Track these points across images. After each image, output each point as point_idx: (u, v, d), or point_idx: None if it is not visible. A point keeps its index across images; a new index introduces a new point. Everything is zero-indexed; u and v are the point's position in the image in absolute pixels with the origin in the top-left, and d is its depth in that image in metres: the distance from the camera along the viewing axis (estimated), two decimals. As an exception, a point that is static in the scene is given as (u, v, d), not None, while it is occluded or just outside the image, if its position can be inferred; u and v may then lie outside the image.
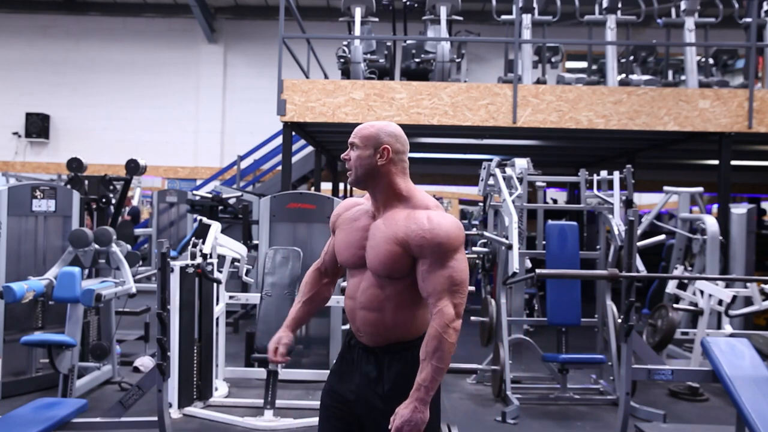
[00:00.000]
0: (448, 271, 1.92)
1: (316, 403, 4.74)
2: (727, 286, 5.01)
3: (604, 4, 7.53)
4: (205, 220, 5.34)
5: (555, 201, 13.70)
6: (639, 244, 4.67)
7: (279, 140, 8.68)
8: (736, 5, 7.86)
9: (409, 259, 1.95)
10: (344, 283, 4.66)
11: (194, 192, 8.23)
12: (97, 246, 4.71)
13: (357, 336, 2.10)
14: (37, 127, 13.18)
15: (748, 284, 5.18)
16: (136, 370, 5.29)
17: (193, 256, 4.59)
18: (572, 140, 7.97)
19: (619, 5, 7.49)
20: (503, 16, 7.71)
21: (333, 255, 2.22)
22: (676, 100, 6.49)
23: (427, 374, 1.89)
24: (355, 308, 2.06)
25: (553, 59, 8.21)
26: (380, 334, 2.03)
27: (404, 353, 2.02)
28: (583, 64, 9.68)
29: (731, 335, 4.89)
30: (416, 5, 8.80)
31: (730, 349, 3.53)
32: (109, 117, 13.25)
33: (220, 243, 5.14)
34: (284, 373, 4.68)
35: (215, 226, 5.06)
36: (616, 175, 5.38)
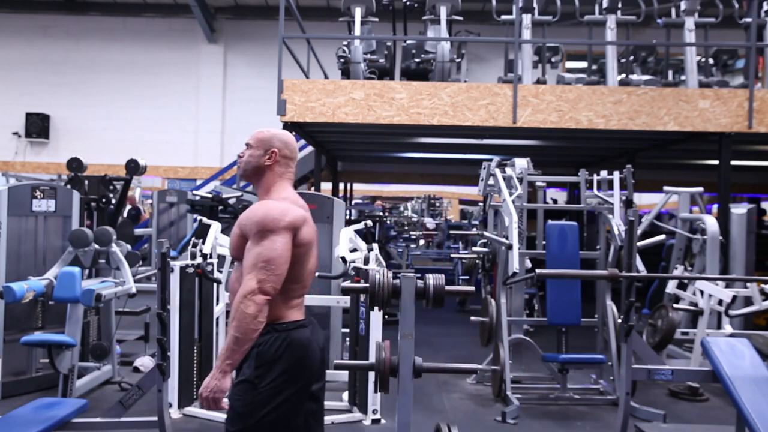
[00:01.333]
0: (259, 248, 2.08)
1: (316, 403, 4.74)
2: (727, 286, 5.01)
3: (604, 4, 7.52)
4: (205, 220, 5.34)
5: (555, 201, 13.70)
6: (639, 244, 4.67)
7: (279, 140, 8.65)
8: (736, 5, 7.86)
9: (246, 241, 2.14)
10: (344, 283, 4.66)
11: (194, 192, 8.22)
12: (97, 246, 4.71)
13: None
14: (37, 127, 13.18)
15: (748, 284, 5.18)
16: (136, 370, 5.29)
17: (193, 256, 4.58)
18: (572, 140, 7.97)
19: (619, 5, 7.49)
20: (503, 16, 7.71)
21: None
22: (676, 100, 6.49)
23: (226, 342, 2.04)
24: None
25: (553, 59, 8.20)
26: None
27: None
28: (583, 64, 9.68)
29: (731, 335, 4.89)
30: (416, 5, 8.79)
31: (730, 349, 3.53)
32: (109, 117, 13.25)
33: (220, 243, 5.13)
34: (284, 373, 4.67)
35: (215, 226, 5.06)
36: (616, 175, 5.38)
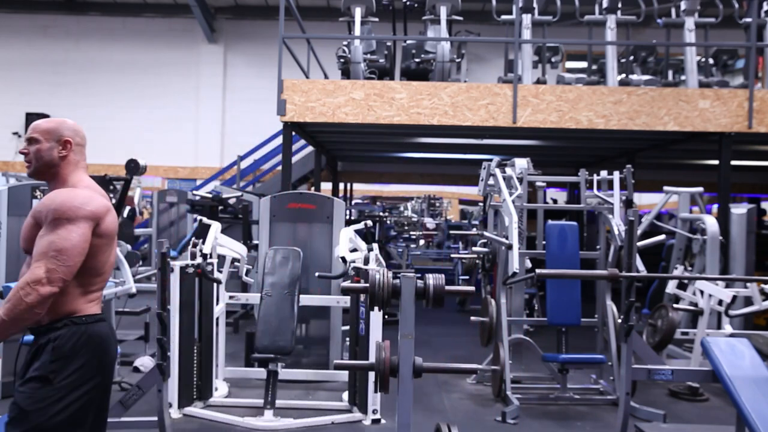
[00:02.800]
0: (52, 236, 1.98)
1: (316, 403, 4.76)
2: (727, 286, 5.01)
3: (604, 4, 7.53)
4: (205, 220, 5.34)
5: (555, 201, 13.70)
6: (639, 244, 4.67)
7: (279, 140, 8.68)
8: (736, 5, 7.86)
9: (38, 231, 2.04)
10: (344, 283, 4.66)
11: (194, 192, 8.23)
12: (97, 246, 4.70)
13: None
14: (37, 127, 13.18)
15: (748, 284, 5.18)
16: (136, 370, 5.29)
17: (193, 256, 4.58)
18: (572, 140, 7.97)
19: (619, 5, 7.49)
20: (503, 16, 7.71)
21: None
22: (676, 100, 6.49)
23: None
24: None
25: (553, 59, 8.20)
26: None
27: (39, 337, 2.08)
28: (583, 64, 9.68)
29: (731, 335, 4.89)
30: (416, 5, 8.79)
31: (730, 349, 3.53)
32: (109, 117, 13.25)
33: (220, 243, 5.13)
34: (284, 373, 4.68)
35: (215, 226, 5.06)
36: (616, 175, 5.38)
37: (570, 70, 9.60)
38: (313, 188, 9.92)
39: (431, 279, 2.17)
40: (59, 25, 13.49)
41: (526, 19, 7.46)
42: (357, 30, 7.20)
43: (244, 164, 11.60)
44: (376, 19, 7.61)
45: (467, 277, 9.87)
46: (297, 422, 4.20)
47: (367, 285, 2.19)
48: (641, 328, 5.38)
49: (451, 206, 18.21)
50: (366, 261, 4.59)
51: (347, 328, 4.94)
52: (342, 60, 7.56)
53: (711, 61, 8.26)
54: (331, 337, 5.38)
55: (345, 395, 4.65)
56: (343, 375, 4.78)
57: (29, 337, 3.49)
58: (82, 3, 13.52)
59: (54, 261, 1.95)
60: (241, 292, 6.26)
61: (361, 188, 15.89)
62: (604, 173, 5.54)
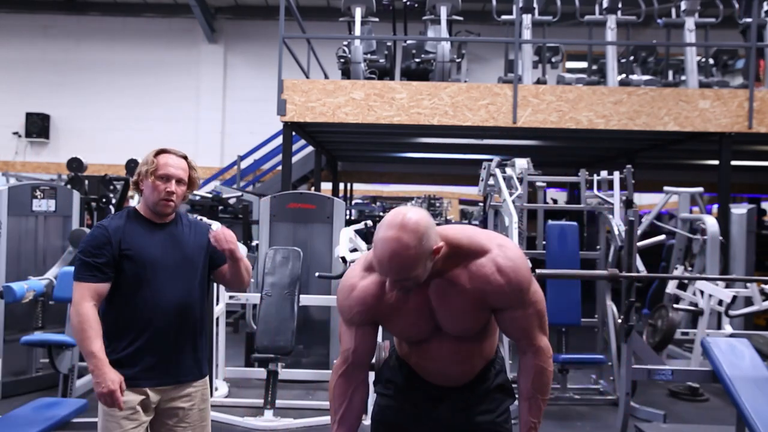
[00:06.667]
0: (532, 308, 1.82)
1: (316, 403, 4.76)
2: (727, 286, 5.01)
3: (604, 4, 7.52)
4: (205, 220, 5.34)
5: (555, 201, 13.69)
6: (639, 244, 4.67)
7: (279, 140, 8.67)
8: (736, 5, 7.86)
9: (489, 312, 1.85)
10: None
11: (194, 192, 8.22)
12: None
13: (434, 382, 1.98)
14: (37, 127, 13.17)
15: (748, 284, 5.18)
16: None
17: (193, 256, 4.57)
18: (572, 140, 7.96)
19: (619, 5, 7.49)
20: (503, 16, 7.71)
21: (368, 347, 1.94)
22: (676, 101, 6.49)
23: (536, 410, 1.89)
24: (436, 368, 1.95)
25: (553, 59, 8.20)
26: (468, 375, 1.97)
27: (483, 373, 2.00)
28: (583, 64, 9.67)
29: (731, 335, 4.88)
30: (416, 5, 8.79)
31: (730, 349, 3.53)
32: (109, 117, 13.24)
33: (220, 243, 5.12)
34: (284, 373, 4.69)
35: (215, 227, 5.05)
36: (616, 175, 5.38)
37: (570, 70, 9.60)
38: (313, 188, 9.92)
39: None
40: (59, 25, 13.48)
41: (526, 19, 7.45)
42: (357, 30, 7.20)
43: (244, 164, 11.59)
44: (377, 19, 7.60)
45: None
46: (297, 422, 4.20)
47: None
48: (641, 328, 5.37)
49: (451, 206, 18.19)
50: (366, 261, 4.59)
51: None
52: (342, 60, 7.56)
53: (711, 61, 8.26)
54: (331, 337, 5.38)
55: (345, 395, 4.64)
56: (343, 375, 4.77)
57: (28, 338, 3.49)
58: (83, 3, 13.51)
59: (545, 324, 1.90)
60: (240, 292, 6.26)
61: (361, 188, 15.88)
62: (604, 173, 5.54)
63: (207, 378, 2.47)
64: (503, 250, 1.78)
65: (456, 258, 1.76)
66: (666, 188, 6.17)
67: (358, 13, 7.16)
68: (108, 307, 2.24)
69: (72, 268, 4.27)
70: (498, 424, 1.97)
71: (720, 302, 4.98)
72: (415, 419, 2.00)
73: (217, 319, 4.93)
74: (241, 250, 5.85)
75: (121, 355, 2.21)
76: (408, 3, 8.89)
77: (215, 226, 2.46)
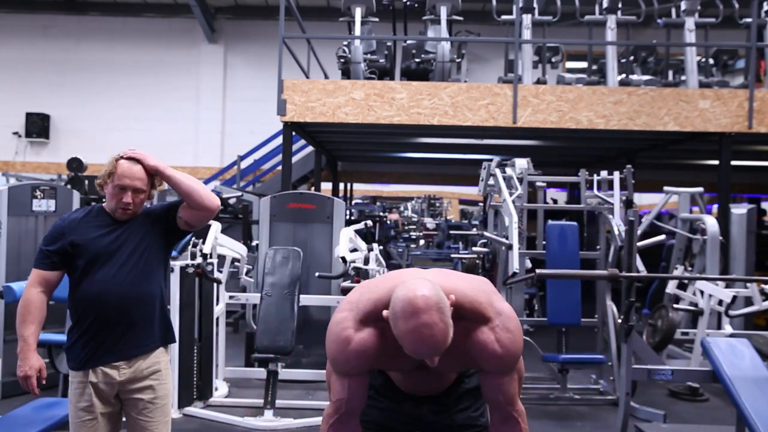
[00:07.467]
0: (517, 374, 1.89)
1: (316, 403, 4.75)
2: (727, 286, 5.01)
3: (604, 4, 7.52)
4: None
5: (555, 201, 13.69)
6: (639, 244, 4.67)
7: (279, 140, 8.67)
8: (736, 5, 7.86)
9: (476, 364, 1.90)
10: (344, 283, 4.65)
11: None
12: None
13: (413, 393, 2.07)
14: (37, 127, 13.17)
15: (748, 284, 5.18)
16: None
17: (193, 256, 4.58)
18: (572, 140, 7.96)
19: (619, 5, 7.49)
20: (503, 16, 7.71)
21: (362, 395, 1.90)
22: (676, 100, 6.49)
23: None
24: (414, 385, 2.04)
25: (553, 59, 8.20)
26: (446, 385, 2.07)
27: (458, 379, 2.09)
28: (583, 64, 9.67)
29: (731, 335, 4.88)
30: (416, 5, 8.79)
31: (730, 349, 3.53)
32: (109, 117, 13.24)
33: (220, 243, 5.13)
34: (284, 373, 4.69)
35: (215, 226, 5.06)
36: (616, 175, 5.38)
37: (570, 70, 9.60)
38: (313, 188, 9.92)
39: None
40: (59, 25, 13.47)
41: (526, 19, 7.45)
42: (357, 30, 7.20)
43: (244, 164, 11.59)
44: (377, 19, 7.60)
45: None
46: (297, 422, 4.20)
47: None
48: (641, 328, 5.38)
49: (451, 206, 18.20)
50: (366, 261, 4.60)
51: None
52: (342, 60, 7.56)
53: (711, 61, 8.26)
54: (331, 337, 5.37)
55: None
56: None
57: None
58: (83, 3, 13.51)
59: (520, 387, 1.99)
60: (241, 292, 6.26)
61: (361, 188, 15.88)
62: (604, 173, 5.54)
63: (166, 348, 2.55)
64: (503, 320, 1.80)
65: (454, 314, 1.74)
66: (666, 188, 6.17)
67: (358, 13, 7.16)
68: (69, 295, 2.46)
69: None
70: (474, 418, 2.06)
71: (720, 302, 4.98)
72: (399, 418, 2.08)
73: (217, 319, 4.93)
74: (241, 250, 5.80)
75: (77, 338, 2.40)
76: (408, 3, 8.90)
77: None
